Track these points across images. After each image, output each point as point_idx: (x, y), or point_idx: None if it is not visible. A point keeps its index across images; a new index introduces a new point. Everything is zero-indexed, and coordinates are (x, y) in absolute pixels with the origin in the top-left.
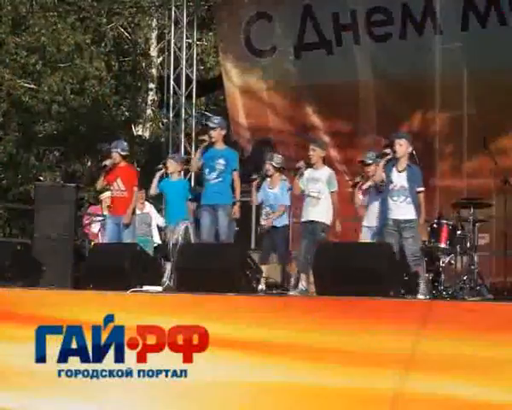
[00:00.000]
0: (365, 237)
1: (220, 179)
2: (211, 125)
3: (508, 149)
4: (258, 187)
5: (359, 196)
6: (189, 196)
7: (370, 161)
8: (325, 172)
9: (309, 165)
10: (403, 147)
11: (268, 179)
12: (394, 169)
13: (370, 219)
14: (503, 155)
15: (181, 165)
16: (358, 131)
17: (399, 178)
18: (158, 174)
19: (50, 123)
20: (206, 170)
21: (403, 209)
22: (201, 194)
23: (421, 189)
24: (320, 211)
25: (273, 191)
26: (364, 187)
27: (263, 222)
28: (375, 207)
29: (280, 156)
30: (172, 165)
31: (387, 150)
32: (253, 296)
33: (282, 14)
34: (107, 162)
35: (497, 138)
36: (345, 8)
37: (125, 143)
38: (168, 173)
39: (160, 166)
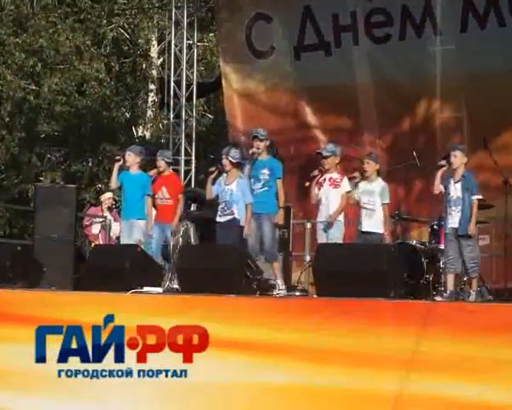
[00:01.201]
0: (321, 233)
1: (265, 189)
2: (260, 136)
3: (508, 150)
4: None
5: (315, 191)
6: (148, 191)
7: (328, 154)
8: (379, 184)
9: (363, 177)
10: (457, 158)
11: (225, 175)
12: (451, 180)
13: (324, 213)
14: (503, 156)
15: (139, 157)
16: (357, 131)
17: (455, 189)
18: (116, 166)
19: (52, 124)
20: (252, 180)
21: (459, 218)
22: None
23: (476, 197)
24: (376, 222)
25: (229, 187)
26: (320, 180)
27: (218, 218)
28: (328, 201)
29: (238, 151)
30: (131, 157)
31: (443, 162)
32: (253, 297)
33: (282, 15)
34: (151, 173)
35: (497, 139)
36: (345, 9)
37: (170, 152)
38: (126, 166)
39: (118, 157)
